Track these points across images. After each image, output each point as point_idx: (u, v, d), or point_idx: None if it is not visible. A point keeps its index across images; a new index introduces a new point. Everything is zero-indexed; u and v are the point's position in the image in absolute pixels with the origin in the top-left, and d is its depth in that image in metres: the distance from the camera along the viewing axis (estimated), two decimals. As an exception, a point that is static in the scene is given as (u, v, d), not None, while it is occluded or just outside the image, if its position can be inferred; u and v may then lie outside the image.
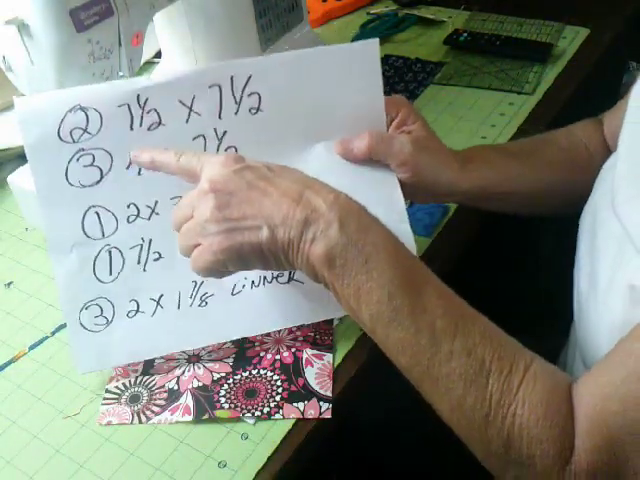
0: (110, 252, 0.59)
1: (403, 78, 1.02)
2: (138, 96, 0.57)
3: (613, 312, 0.53)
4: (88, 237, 0.59)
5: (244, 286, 0.62)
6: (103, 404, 0.62)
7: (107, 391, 0.63)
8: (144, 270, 0.60)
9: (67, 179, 0.57)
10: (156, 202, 0.59)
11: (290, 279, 0.62)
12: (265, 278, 0.62)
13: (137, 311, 0.61)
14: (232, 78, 0.58)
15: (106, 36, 0.69)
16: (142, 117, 0.57)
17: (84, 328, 0.60)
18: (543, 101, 0.94)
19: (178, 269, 0.60)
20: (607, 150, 0.71)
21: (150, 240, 0.60)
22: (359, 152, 0.63)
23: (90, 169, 0.57)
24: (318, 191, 0.53)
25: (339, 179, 0.56)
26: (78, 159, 0.57)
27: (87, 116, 0.56)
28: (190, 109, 0.58)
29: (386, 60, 1.06)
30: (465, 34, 1.07)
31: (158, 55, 1.06)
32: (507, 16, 1.13)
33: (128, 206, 0.59)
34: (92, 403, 0.63)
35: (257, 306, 0.62)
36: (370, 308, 0.51)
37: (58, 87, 0.69)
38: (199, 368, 0.64)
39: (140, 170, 0.58)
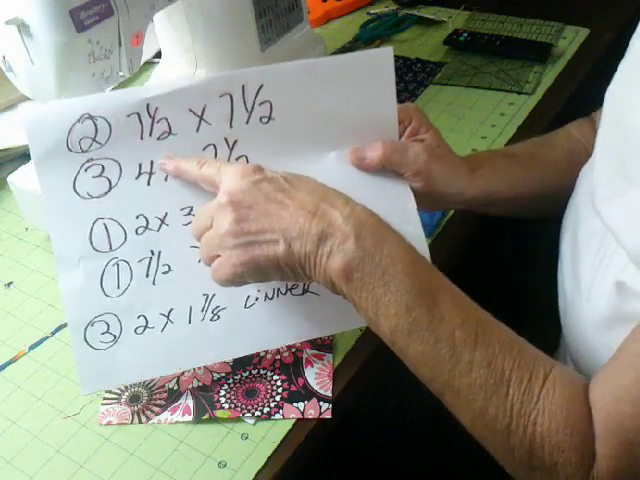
0: (118, 265, 0.57)
1: (403, 78, 1.02)
2: (148, 105, 0.56)
3: (597, 308, 0.53)
4: (95, 250, 0.57)
5: (257, 299, 0.60)
6: (103, 404, 0.62)
7: (107, 391, 0.63)
8: (153, 284, 0.58)
9: (75, 190, 0.56)
10: (166, 213, 0.58)
11: (305, 291, 0.61)
12: (279, 290, 0.61)
13: (146, 327, 0.59)
14: (243, 87, 0.57)
15: (106, 36, 0.69)
16: (152, 126, 0.56)
17: (90, 346, 0.58)
18: (543, 101, 0.94)
19: (189, 282, 0.59)
20: None
21: (159, 252, 0.58)
22: (372, 162, 0.61)
23: (99, 179, 0.56)
24: (334, 203, 0.53)
25: (351, 189, 0.55)
26: (87, 169, 0.56)
27: (96, 125, 0.55)
28: (201, 118, 0.57)
29: (386, 60, 1.06)
30: (465, 34, 1.07)
31: (158, 55, 1.06)
32: (507, 16, 1.13)
33: (137, 217, 0.57)
34: (92, 403, 0.63)
35: (271, 319, 0.61)
36: (389, 321, 0.51)
37: (58, 87, 0.69)
38: (199, 368, 0.64)
39: (149, 180, 0.57)
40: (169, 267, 0.59)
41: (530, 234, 1.08)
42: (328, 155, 0.61)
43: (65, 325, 0.70)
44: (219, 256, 0.54)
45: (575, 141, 0.73)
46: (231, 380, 0.63)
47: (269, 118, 0.58)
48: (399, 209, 0.61)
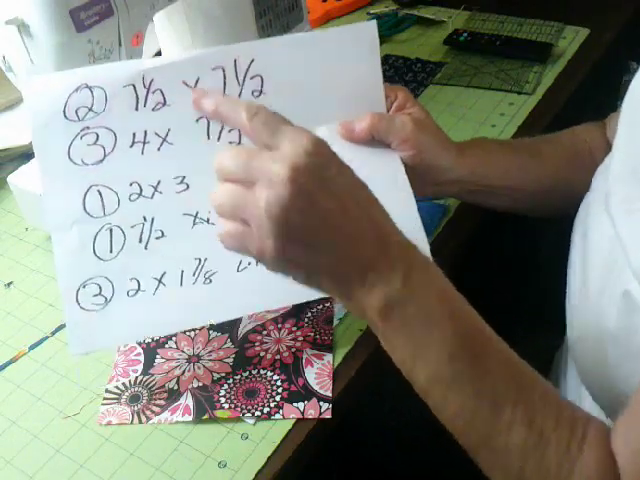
0: (111, 230, 0.58)
1: (403, 78, 1.02)
2: (143, 76, 0.57)
3: (604, 316, 0.52)
4: (89, 215, 0.58)
5: (250, 263, 0.61)
6: (103, 404, 0.62)
7: (107, 391, 0.63)
8: (145, 249, 0.59)
9: (70, 157, 0.57)
10: (159, 182, 0.58)
11: None
12: None
13: (138, 290, 0.60)
14: (235, 61, 0.58)
15: (106, 36, 0.69)
16: (147, 97, 0.57)
17: (81, 307, 0.58)
18: (543, 101, 0.94)
19: (180, 247, 0.59)
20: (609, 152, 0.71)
21: (152, 219, 0.59)
22: (361, 132, 0.62)
23: (94, 147, 0.57)
24: (389, 234, 0.49)
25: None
26: (82, 137, 0.57)
27: (93, 95, 0.56)
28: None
29: (386, 60, 1.06)
30: (465, 34, 1.07)
31: (158, 55, 1.06)
32: (507, 16, 1.13)
33: (130, 185, 0.58)
34: (92, 403, 0.63)
35: (263, 283, 0.59)
36: (428, 368, 0.48)
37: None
38: (199, 368, 0.64)
39: (143, 150, 0.58)
40: (162, 233, 0.59)
41: (530, 234, 1.08)
42: (319, 129, 0.61)
43: (65, 325, 0.70)
44: (245, 222, 0.47)
45: (580, 141, 0.73)
46: (231, 380, 0.63)
47: (260, 92, 0.59)
48: (390, 178, 0.62)
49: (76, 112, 0.56)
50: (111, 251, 0.58)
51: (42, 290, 0.75)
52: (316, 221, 0.46)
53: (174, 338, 0.67)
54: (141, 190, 0.58)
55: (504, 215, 0.74)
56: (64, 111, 0.56)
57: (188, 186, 0.59)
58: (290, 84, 0.60)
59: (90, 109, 0.56)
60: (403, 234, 0.50)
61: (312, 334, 0.66)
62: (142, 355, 0.66)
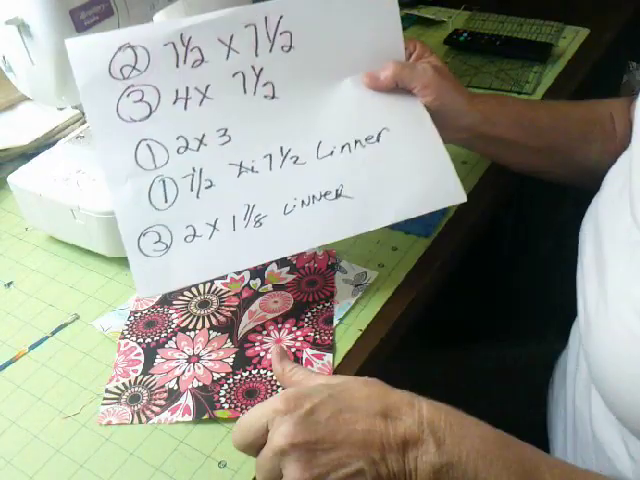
0: (164, 181, 0.61)
1: (403, 78, 1.01)
2: (182, 35, 0.60)
3: (624, 324, 0.50)
4: (141, 168, 0.61)
5: (295, 206, 0.64)
6: (103, 404, 0.62)
7: (107, 391, 0.63)
8: (197, 197, 0.62)
9: (118, 114, 0.60)
10: (203, 135, 0.62)
11: (338, 195, 0.65)
12: (314, 197, 0.64)
13: (194, 235, 0.62)
14: (266, 18, 0.62)
15: (106, 36, 0.69)
16: (186, 55, 0.61)
17: (144, 254, 0.61)
18: (543, 101, 0.94)
19: (230, 195, 0.63)
20: (629, 134, 0.70)
21: (201, 169, 0.62)
22: (385, 80, 0.66)
23: (140, 104, 0.60)
24: (399, 406, 0.48)
25: (370, 110, 0.65)
26: (128, 95, 0.60)
27: (135, 54, 0.59)
28: (229, 47, 0.62)
29: (386, 60, 1.06)
30: (465, 34, 1.08)
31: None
32: (507, 16, 1.13)
33: (177, 138, 0.61)
34: (92, 403, 0.63)
35: (309, 223, 0.64)
36: None
37: (58, 87, 0.69)
38: (199, 368, 0.64)
39: (186, 105, 0.62)
40: (211, 182, 0.63)
41: (530, 234, 1.08)
42: (345, 81, 0.68)
43: (65, 325, 0.71)
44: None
45: (602, 106, 0.73)
46: (231, 380, 0.63)
47: (290, 47, 0.64)
48: (416, 121, 0.67)
49: (121, 71, 0.59)
50: (166, 201, 0.61)
51: (42, 290, 0.75)
52: (334, 450, 0.46)
53: (174, 338, 0.67)
54: (187, 143, 0.62)
55: (503, 215, 0.74)
56: (109, 70, 0.59)
57: (230, 138, 0.63)
58: (317, 38, 0.65)
59: (134, 67, 0.59)
60: (411, 394, 0.49)
61: (312, 334, 0.66)
62: (142, 355, 0.66)
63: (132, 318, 0.70)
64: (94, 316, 0.71)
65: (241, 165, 0.63)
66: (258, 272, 0.73)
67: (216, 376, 0.63)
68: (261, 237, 0.63)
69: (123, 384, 0.64)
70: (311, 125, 0.66)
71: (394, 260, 0.73)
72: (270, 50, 0.63)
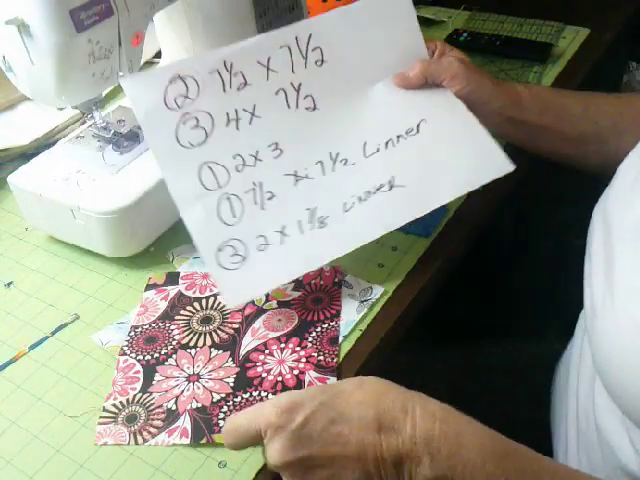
0: (229, 198, 0.65)
1: (403, 78, 1.01)
2: (224, 62, 0.66)
3: (630, 316, 0.50)
4: (207, 189, 0.65)
5: (353, 203, 0.68)
6: (100, 423, 0.61)
7: (104, 409, 0.62)
8: (262, 209, 0.66)
9: (178, 141, 0.64)
10: (257, 151, 0.67)
11: (392, 187, 0.69)
12: (369, 192, 0.68)
13: (266, 244, 0.66)
14: (297, 38, 0.68)
15: (106, 36, 0.69)
16: (231, 79, 0.66)
17: (224, 268, 0.64)
18: (543, 101, 0.94)
19: (291, 203, 0.67)
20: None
21: (260, 183, 0.67)
22: (415, 77, 0.72)
23: (196, 130, 0.65)
24: (392, 412, 0.48)
25: (408, 108, 0.71)
26: (185, 122, 0.65)
27: (186, 84, 0.65)
28: (268, 68, 0.68)
29: (386, 60, 1.06)
30: (465, 34, 1.07)
31: (158, 55, 1.06)
32: (507, 16, 1.13)
33: (234, 157, 0.66)
34: (92, 403, 0.63)
35: (369, 215, 0.68)
36: None
37: (58, 87, 0.69)
38: (198, 388, 0.62)
39: (237, 125, 0.67)
40: (272, 193, 0.67)
41: (530, 234, 1.08)
42: (377, 85, 0.73)
43: (65, 325, 0.71)
44: None
45: (633, 105, 0.74)
46: (231, 402, 0.61)
47: (322, 61, 0.70)
48: (451, 110, 0.72)
49: (175, 101, 0.64)
50: (234, 216, 0.65)
51: (42, 290, 0.75)
52: (329, 464, 0.47)
53: (174, 356, 0.66)
54: (244, 161, 0.66)
55: (503, 215, 0.74)
56: (165, 101, 0.64)
57: (282, 151, 0.68)
58: (346, 50, 0.71)
59: (186, 96, 0.65)
60: (404, 396, 0.49)
61: (315, 354, 0.64)
62: (141, 372, 0.64)
63: (132, 333, 0.68)
64: (94, 316, 0.71)
65: (296, 174, 0.68)
66: None
67: (216, 397, 0.61)
68: (328, 235, 0.67)
69: (121, 402, 0.62)
70: (353, 129, 0.71)
71: (394, 260, 0.73)
72: (305, 66, 0.69)
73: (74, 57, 0.67)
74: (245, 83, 0.67)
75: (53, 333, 0.70)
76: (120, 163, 0.77)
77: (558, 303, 0.66)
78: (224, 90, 0.66)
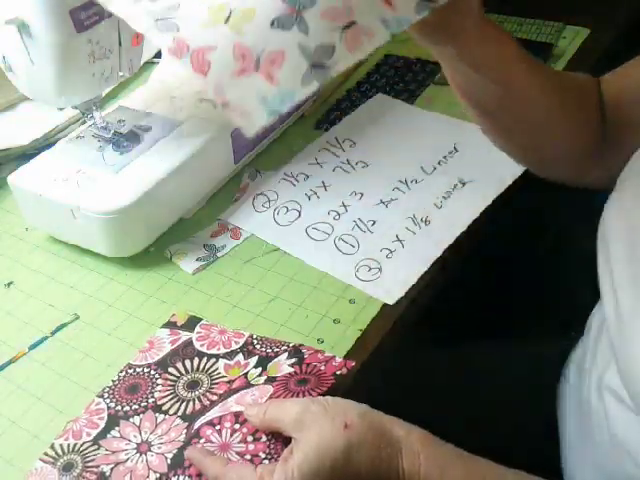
0: (341, 238, 0.78)
1: (403, 78, 1.02)
2: (284, 172, 0.88)
3: None
4: (319, 240, 0.78)
5: (441, 201, 0.81)
6: (40, 460, 0.58)
7: (52, 446, 0.59)
8: (372, 232, 0.78)
9: (278, 224, 0.80)
10: (342, 202, 0.82)
11: (464, 184, 0.83)
12: (449, 192, 0.82)
13: (391, 251, 0.76)
14: (336, 138, 0.92)
15: (106, 36, 0.69)
16: (296, 178, 0.86)
17: (366, 281, 0.73)
18: (543, 101, 0.94)
19: (393, 219, 0.79)
20: (601, 116, 0.68)
21: (359, 218, 0.80)
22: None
23: (290, 213, 0.82)
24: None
25: (436, 141, 0.88)
26: (278, 213, 0.82)
27: (266, 196, 0.84)
28: (318, 163, 0.89)
29: (386, 60, 1.06)
30: (465, 34, 1.07)
31: (158, 55, 1.06)
32: (507, 16, 1.13)
33: (328, 213, 0.81)
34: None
35: (458, 208, 0.80)
36: None
37: (58, 87, 0.69)
38: (142, 462, 0.57)
39: (317, 195, 0.84)
40: (373, 221, 0.80)
41: (530, 234, 1.08)
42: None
43: (65, 325, 0.71)
44: None
45: (584, 81, 0.71)
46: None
47: (354, 143, 0.91)
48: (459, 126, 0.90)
49: (263, 205, 0.83)
50: (353, 246, 0.77)
51: (42, 290, 0.75)
52: None
53: (141, 415, 0.61)
54: (337, 212, 0.81)
55: (504, 216, 0.74)
56: (253, 205, 0.83)
57: (362, 194, 0.83)
58: (374, 146, 0.90)
59: (269, 200, 0.84)
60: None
61: (263, 455, 0.54)
62: (104, 421, 0.60)
63: (124, 373, 0.64)
64: (94, 316, 0.71)
65: (382, 201, 0.82)
66: (268, 359, 0.64)
67: (152, 477, 0.55)
68: (436, 229, 0.78)
69: (68, 445, 0.59)
70: (408, 161, 0.87)
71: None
72: (349, 146, 0.90)
73: (74, 57, 0.67)
74: (307, 176, 0.86)
75: (53, 333, 0.70)
76: (120, 163, 0.77)
77: (557, 303, 0.66)
78: (294, 185, 0.85)
